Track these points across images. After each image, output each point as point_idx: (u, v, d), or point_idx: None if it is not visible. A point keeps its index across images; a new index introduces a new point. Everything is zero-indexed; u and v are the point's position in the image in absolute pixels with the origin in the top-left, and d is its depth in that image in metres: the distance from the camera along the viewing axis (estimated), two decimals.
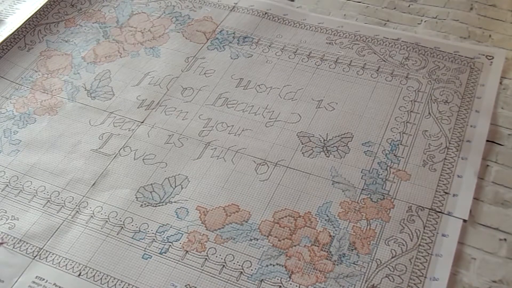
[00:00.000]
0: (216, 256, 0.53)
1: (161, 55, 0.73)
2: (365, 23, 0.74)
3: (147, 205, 0.58)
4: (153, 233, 0.55)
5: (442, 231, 0.52)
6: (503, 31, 0.71)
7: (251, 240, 0.54)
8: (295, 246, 0.53)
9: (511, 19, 0.72)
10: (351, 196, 0.56)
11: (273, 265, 0.52)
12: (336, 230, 0.54)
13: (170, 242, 0.54)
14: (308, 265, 0.52)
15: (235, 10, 0.77)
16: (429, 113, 0.62)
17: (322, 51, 0.71)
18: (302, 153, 0.61)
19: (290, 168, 0.59)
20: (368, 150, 0.60)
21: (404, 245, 0.52)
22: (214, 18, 0.77)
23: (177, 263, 0.53)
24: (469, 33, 0.71)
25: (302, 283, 0.50)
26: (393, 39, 0.71)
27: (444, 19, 0.73)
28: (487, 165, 0.58)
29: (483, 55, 0.67)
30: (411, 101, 0.64)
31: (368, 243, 0.52)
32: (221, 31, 0.75)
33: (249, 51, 0.71)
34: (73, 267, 0.52)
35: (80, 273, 0.52)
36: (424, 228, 0.53)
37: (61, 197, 0.59)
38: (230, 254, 0.53)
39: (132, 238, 0.55)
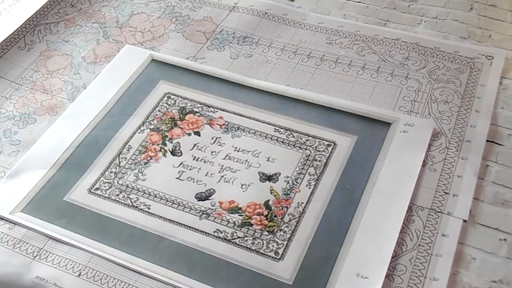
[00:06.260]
0: None
1: None
2: (365, 23, 0.74)
3: None
4: None
5: (442, 231, 0.52)
6: (503, 31, 0.71)
7: None
8: None
9: (511, 19, 0.72)
10: None
11: None
12: None
13: None
14: None
15: (235, 10, 0.77)
16: (429, 113, 0.62)
17: (322, 51, 0.71)
18: None
19: None
20: None
21: (404, 245, 0.52)
22: (214, 18, 0.77)
23: None
24: (469, 33, 0.71)
25: None
26: (393, 39, 0.71)
27: (444, 19, 0.73)
28: (487, 165, 0.58)
29: (483, 55, 0.67)
30: (411, 101, 0.64)
31: None
32: (221, 31, 0.75)
33: (249, 51, 0.71)
34: (73, 267, 0.52)
35: (80, 273, 0.52)
36: (424, 228, 0.53)
37: None
38: None
39: None
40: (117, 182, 0.59)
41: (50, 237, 0.54)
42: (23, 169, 0.60)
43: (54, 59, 0.74)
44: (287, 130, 0.62)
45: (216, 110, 0.65)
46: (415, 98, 0.64)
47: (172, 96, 0.67)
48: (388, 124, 0.61)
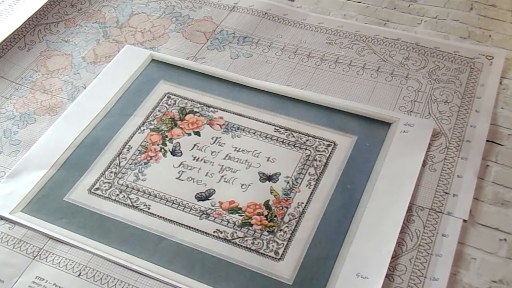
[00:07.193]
0: None
1: None
2: (365, 23, 0.74)
3: None
4: None
5: (442, 231, 0.52)
6: (503, 31, 0.71)
7: None
8: None
9: (511, 19, 0.72)
10: None
11: None
12: None
13: None
14: None
15: (235, 10, 0.77)
16: (429, 113, 0.62)
17: (322, 51, 0.71)
18: None
19: None
20: None
21: (404, 245, 0.52)
22: (214, 18, 0.77)
23: None
24: (469, 33, 0.71)
25: None
26: (393, 39, 0.71)
27: (444, 19, 0.73)
28: (487, 165, 0.58)
29: (483, 55, 0.67)
30: (411, 101, 0.64)
31: None
32: (221, 31, 0.75)
33: (249, 51, 0.71)
34: (73, 267, 0.52)
35: (80, 273, 0.52)
36: (424, 228, 0.53)
37: None
38: None
39: None
40: (117, 182, 0.59)
41: (50, 237, 0.54)
42: (23, 169, 0.60)
43: (54, 59, 0.74)
44: (287, 130, 0.62)
45: (216, 110, 0.65)
46: (415, 98, 0.64)
47: (172, 96, 0.67)
48: (388, 124, 0.61)
